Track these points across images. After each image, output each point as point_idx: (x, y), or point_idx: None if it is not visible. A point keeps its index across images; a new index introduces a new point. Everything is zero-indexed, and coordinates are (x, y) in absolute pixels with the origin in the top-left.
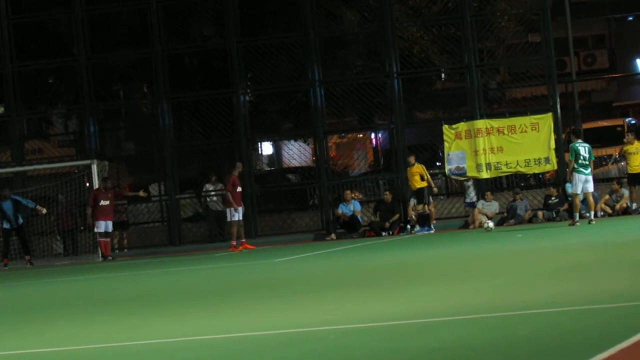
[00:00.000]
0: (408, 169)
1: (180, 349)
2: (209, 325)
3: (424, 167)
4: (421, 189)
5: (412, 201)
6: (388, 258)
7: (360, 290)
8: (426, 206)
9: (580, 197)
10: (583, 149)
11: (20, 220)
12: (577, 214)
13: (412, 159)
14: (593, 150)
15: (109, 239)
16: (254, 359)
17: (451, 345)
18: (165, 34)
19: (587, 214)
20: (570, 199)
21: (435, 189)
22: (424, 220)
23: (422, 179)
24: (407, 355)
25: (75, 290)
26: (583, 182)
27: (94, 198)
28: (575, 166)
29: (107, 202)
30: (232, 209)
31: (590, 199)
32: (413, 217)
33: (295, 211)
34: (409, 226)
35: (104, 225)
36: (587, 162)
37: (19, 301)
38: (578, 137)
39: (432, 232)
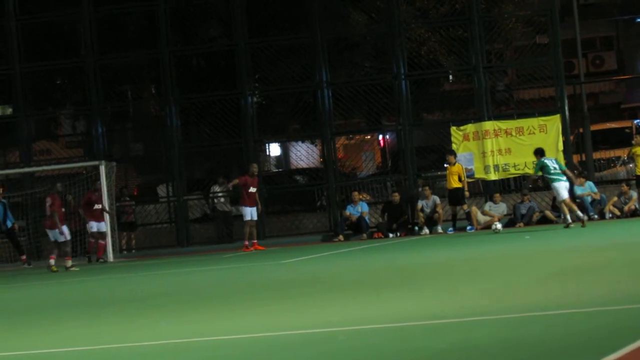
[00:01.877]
0: (448, 168)
1: (188, 349)
2: (217, 326)
3: (463, 168)
4: (458, 189)
5: (420, 203)
6: (396, 259)
7: (368, 291)
8: (464, 206)
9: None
10: (550, 161)
11: (9, 223)
12: (580, 213)
13: (451, 159)
14: (601, 151)
15: (104, 242)
16: None
17: (460, 347)
18: (172, 35)
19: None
20: (578, 200)
21: (467, 193)
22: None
23: (460, 179)
24: (415, 357)
25: (82, 291)
26: (564, 189)
27: (87, 202)
28: (552, 177)
29: (99, 206)
30: (245, 207)
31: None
32: (421, 218)
33: (302, 212)
34: (416, 227)
35: (96, 226)
36: (560, 171)
37: (26, 302)
38: (542, 156)
39: (473, 230)
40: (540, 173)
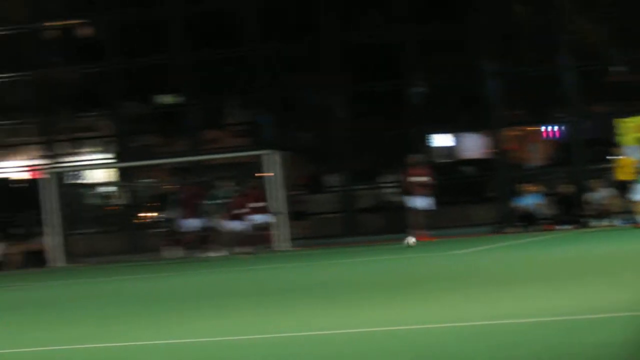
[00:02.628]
0: (617, 160)
1: (352, 340)
2: (384, 317)
3: (633, 160)
4: (628, 181)
5: (591, 194)
6: (566, 251)
7: (540, 284)
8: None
9: None
10: None
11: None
12: None
13: (619, 151)
14: None
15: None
16: (431, 353)
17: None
18: (338, 24)
19: None
20: None
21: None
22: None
23: (631, 171)
24: (575, 350)
25: (250, 280)
26: None
27: (241, 203)
28: None
29: (260, 204)
30: (414, 197)
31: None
32: (592, 211)
33: (471, 203)
34: (587, 219)
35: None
36: None
37: (193, 289)
38: None
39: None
40: None
